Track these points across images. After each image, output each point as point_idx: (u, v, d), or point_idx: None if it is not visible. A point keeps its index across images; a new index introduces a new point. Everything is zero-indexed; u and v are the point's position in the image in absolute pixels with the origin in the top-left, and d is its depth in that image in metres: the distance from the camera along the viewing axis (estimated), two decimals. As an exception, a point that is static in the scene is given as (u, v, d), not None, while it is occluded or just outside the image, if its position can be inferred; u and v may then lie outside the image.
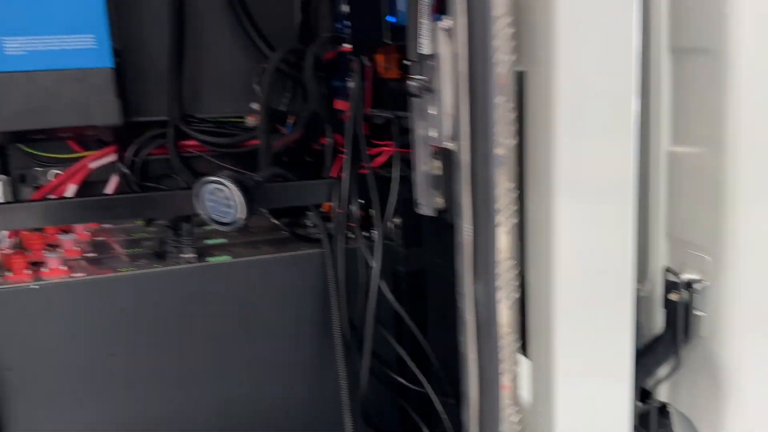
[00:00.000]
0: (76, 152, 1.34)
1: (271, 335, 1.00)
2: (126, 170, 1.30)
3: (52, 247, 1.09)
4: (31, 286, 0.90)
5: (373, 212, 1.10)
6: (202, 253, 0.99)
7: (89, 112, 1.18)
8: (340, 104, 1.16)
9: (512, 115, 0.65)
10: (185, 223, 0.96)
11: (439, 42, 0.70)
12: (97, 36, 1.14)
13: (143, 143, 1.32)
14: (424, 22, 0.69)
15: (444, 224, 0.95)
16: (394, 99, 1.03)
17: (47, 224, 0.99)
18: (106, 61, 1.18)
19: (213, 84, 1.37)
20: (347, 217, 0.97)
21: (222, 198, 0.85)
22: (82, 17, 1.14)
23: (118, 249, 1.08)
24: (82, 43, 1.15)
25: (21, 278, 0.93)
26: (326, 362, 1.03)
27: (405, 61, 0.94)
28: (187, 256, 0.96)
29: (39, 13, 1.12)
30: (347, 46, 1.00)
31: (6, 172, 1.31)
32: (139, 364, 0.96)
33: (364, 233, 1.02)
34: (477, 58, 0.65)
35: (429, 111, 0.75)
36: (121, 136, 1.30)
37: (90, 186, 1.34)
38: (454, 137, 0.71)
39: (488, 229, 0.67)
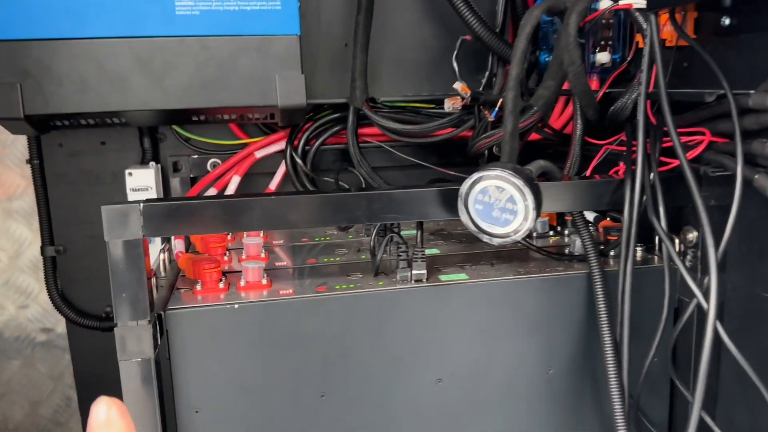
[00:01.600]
0: (239, 139, 1.14)
1: (513, 370, 0.77)
2: (299, 161, 1.10)
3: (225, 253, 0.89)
4: (231, 306, 0.69)
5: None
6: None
7: (271, 89, 0.97)
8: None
9: None
10: (420, 232, 0.74)
11: None
12: (285, -5, 0.94)
13: (319, 130, 1.11)
14: None
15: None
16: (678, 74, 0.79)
17: (275, 227, 0.78)
18: (293, 26, 0.97)
19: (391, 62, 1.14)
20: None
21: (502, 200, 0.62)
22: (268, -28, 0.93)
23: (312, 258, 0.86)
24: (266, 4, 0.94)
25: (214, 292, 0.72)
26: (581, 408, 0.80)
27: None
28: (418, 272, 0.74)
29: (216, -34, 0.92)
30: (628, 2, 0.75)
31: (156, 159, 1.12)
32: (354, 409, 0.74)
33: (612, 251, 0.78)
34: None
35: None
36: (291, 121, 1.09)
37: (247, 179, 1.15)
38: None
39: None
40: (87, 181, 1.12)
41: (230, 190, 1.08)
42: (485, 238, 0.65)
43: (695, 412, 0.62)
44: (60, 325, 1.18)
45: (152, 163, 1.09)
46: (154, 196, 1.05)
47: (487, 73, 1.10)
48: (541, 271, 0.78)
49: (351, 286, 0.74)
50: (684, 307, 0.76)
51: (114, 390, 1.10)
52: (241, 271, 0.76)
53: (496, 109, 1.05)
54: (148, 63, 0.93)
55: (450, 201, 0.67)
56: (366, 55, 1.06)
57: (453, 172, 1.14)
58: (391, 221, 0.72)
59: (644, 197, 0.71)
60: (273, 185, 1.13)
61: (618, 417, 0.71)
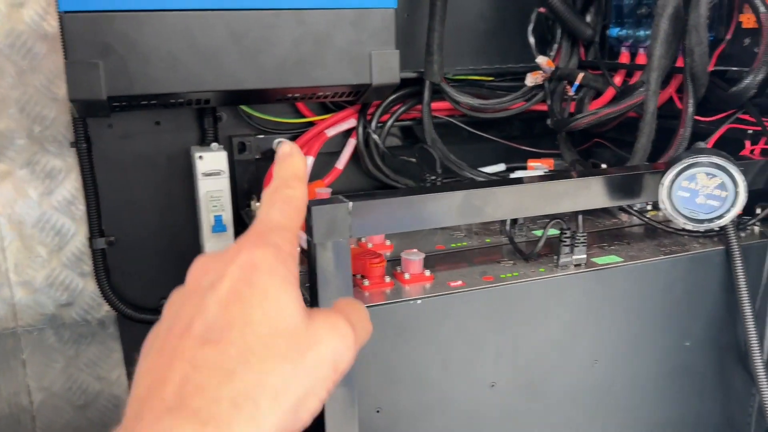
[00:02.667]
0: (302, 116, 1.08)
1: (657, 346, 0.79)
2: (375, 137, 1.05)
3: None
4: (414, 302, 0.66)
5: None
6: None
7: (364, 66, 0.93)
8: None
9: None
10: (581, 216, 0.74)
11: None
12: (383, -35, 0.89)
13: (390, 106, 1.07)
14: None
15: None
16: None
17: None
18: (390, -1, 0.92)
19: (449, 35, 1.11)
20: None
21: (710, 187, 0.63)
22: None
23: (438, 244, 0.84)
24: (363, -26, 0.89)
25: (381, 287, 0.69)
26: (710, 378, 0.84)
27: None
28: (579, 257, 0.74)
29: (309, -68, 0.86)
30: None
31: (216, 139, 1.04)
32: (521, 396, 0.74)
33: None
34: None
35: None
36: (373, 99, 1.04)
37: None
38: None
39: None
40: (140, 165, 1.03)
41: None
42: (681, 223, 0.65)
43: None
44: (107, 321, 1.09)
45: (215, 145, 1.01)
46: (226, 180, 0.98)
47: (555, 46, 1.10)
48: (682, 249, 0.80)
49: (515, 274, 0.73)
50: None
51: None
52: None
53: (577, 83, 1.05)
54: (242, 38, 0.86)
55: (633, 185, 0.68)
56: (444, 27, 1.03)
57: (525, 147, 1.14)
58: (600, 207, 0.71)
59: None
60: (341, 164, 1.08)
61: (763, 386, 0.76)
